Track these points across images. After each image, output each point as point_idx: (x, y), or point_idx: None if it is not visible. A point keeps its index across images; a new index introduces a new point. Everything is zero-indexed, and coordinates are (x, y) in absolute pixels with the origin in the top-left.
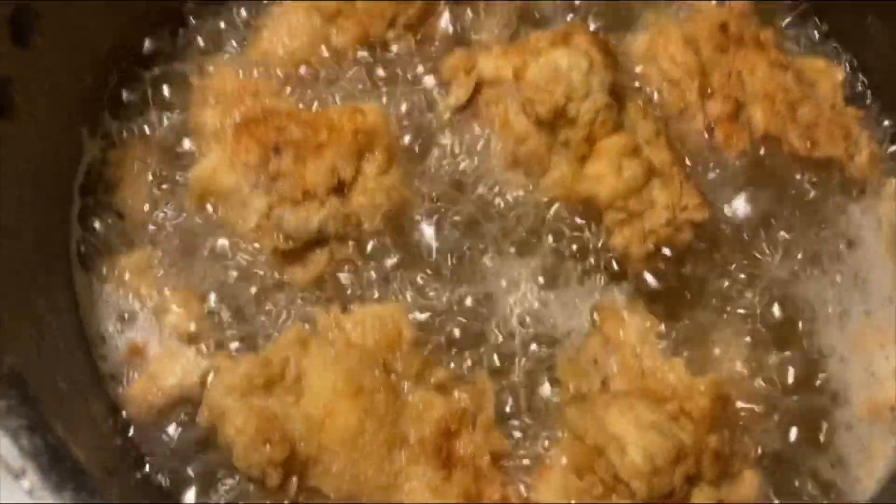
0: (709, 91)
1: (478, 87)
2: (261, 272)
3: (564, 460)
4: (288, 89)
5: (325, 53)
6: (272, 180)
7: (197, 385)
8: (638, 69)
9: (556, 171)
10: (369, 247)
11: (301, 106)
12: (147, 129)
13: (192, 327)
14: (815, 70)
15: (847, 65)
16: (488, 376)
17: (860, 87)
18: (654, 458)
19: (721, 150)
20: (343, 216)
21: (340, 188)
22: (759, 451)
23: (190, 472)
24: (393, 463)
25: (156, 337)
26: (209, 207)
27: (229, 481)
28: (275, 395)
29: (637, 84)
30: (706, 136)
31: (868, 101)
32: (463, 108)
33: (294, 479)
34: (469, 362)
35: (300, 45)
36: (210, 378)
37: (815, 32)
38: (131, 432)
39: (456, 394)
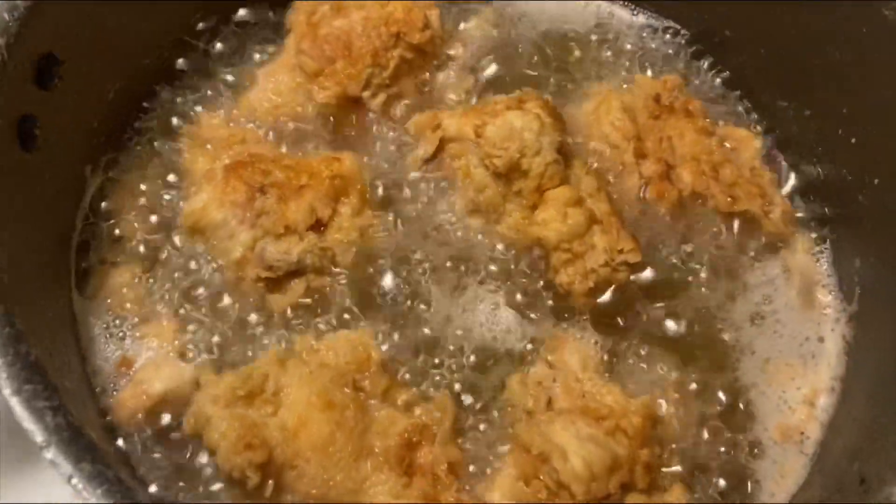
0: (643, 153)
1: (442, 143)
2: (244, 298)
3: (513, 468)
4: (272, 139)
5: (307, 109)
6: (257, 217)
7: (182, 394)
8: (583, 132)
9: (510, 217)
10: (342, 279)
11: (285, 152)
12: (144, 168)
13: (178, 345)
14: (737, 138)
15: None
16: (447, 396)
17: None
18: (593, 466)
19: (652, 205)
20: (320, 250)
21: (318, 226)
22: (686, 467)
23: (173, 472)
24: (359, 470)
25: (143, 354)
26: (199, 239)
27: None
28: (255, 407)
29: (582, 145)
30: (640, 192)
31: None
32: (429, 161)
33: (271, 481)
34: (429, 385)
35: (284, 101)
36: (195, 389)
37: (739, 108)
38: (120, 440)
39: (417, 411)
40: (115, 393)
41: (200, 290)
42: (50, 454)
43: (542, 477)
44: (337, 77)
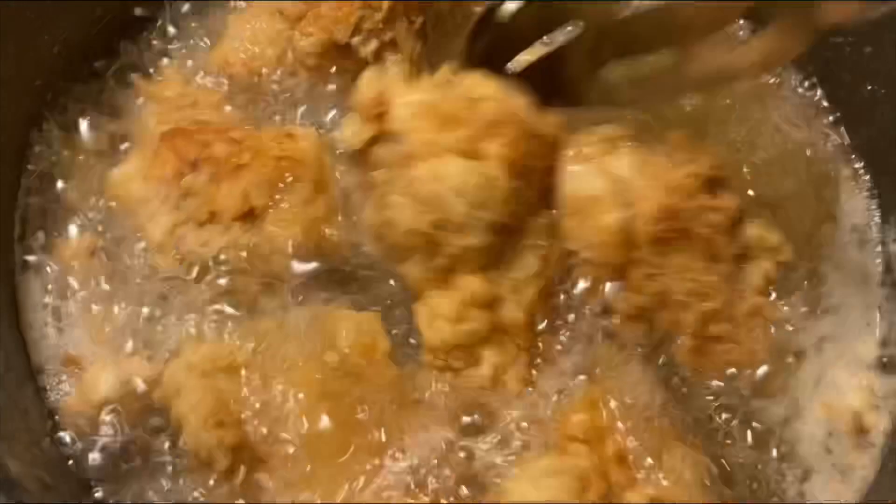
0: None
1: (379, 137)
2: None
3: None
4: (239, 101)
5: (287, 60)
6: (183, 197)
7: (134, 391)
8: None
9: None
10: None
11: (242, 120)
12: (93, 132)
13: (132, 330)
14: None
15: None
16: None
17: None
18: None
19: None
20: (245, 247)
21: (251, 215)
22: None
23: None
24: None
25: (90, 349)
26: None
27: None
28: (235, 381)
29: None
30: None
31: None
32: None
33: (242, 468)
34: None
35: (262, 51)
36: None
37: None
38: (69, 443)
39: None
40: (58, 396)
41: (147, 270)
42: None
43: None
44: (322, 21)
